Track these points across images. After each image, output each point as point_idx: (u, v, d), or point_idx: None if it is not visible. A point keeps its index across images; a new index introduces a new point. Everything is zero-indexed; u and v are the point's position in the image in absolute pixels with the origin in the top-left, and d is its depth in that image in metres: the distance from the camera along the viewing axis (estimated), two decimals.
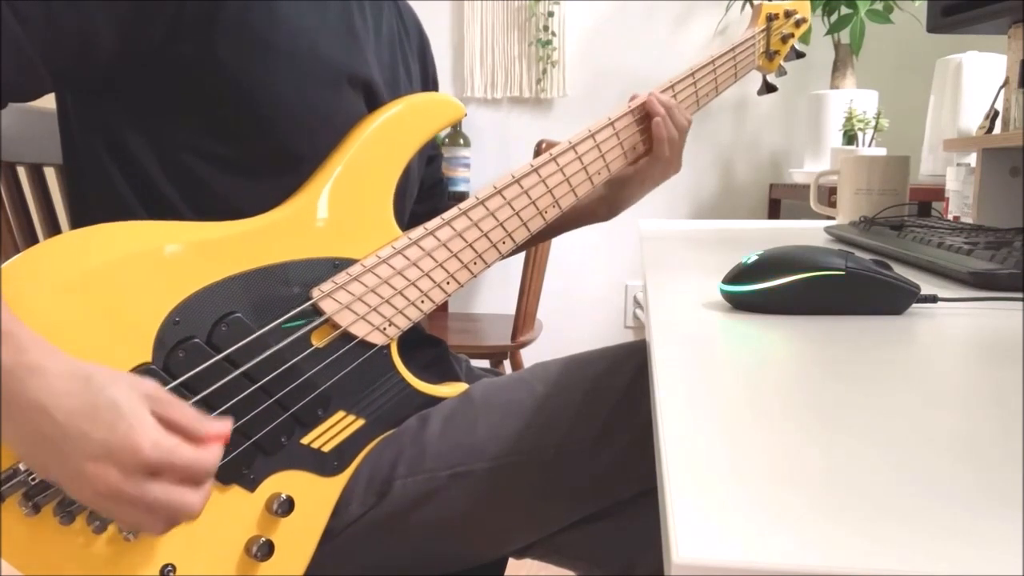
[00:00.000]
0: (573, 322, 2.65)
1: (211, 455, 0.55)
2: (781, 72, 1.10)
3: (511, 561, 0.86)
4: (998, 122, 1.22)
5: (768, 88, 1.12)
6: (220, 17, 0.64)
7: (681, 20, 2.54)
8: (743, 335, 0.49)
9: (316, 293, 0.68)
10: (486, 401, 0.76)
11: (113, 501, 0.52)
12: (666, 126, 0.91)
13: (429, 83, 0.95)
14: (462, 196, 0.87)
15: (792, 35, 1.08)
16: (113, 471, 0.51)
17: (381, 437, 0.74)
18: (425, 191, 0.98)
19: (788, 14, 1.07)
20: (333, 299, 0.68)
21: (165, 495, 0.52)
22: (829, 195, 1.88)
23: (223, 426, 0.57)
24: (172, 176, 0.68)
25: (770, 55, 1.08)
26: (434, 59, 0.97)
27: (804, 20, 1.08)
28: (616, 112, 0.89)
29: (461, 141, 2.47)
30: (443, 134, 2.45)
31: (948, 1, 1.14)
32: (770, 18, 1.06)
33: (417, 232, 0.73)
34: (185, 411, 0.55)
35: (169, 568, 0.60)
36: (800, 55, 1.10)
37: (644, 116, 0.92)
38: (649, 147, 0.93)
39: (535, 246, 1.89)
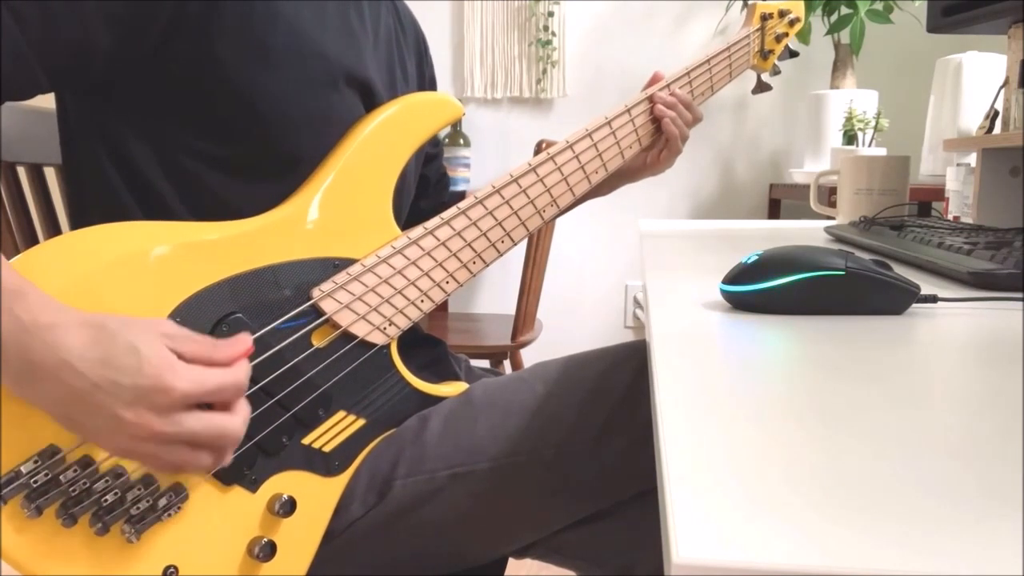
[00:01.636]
0: (573, 322, 2.64)
1: (239, 372, 0.56)
2: (775, 71, 1.11)
3: (511, 561, 0.86)
4: (998, 122, 1.22)
5: (762, 87, 1.13)
6: (218, 17, 0.64)
7: (681, 20, 2.54)
8: (743, 335, 0.49)
9: (316, 293, 0.68)
10: (486, 401, 0.76)
11: (155, 444, 0.52)
12: (677, 125, 0.93)
13: (426, 83, 0.95)
14: (462, 196, 0.87)
15: (786, 34, 1.08)
16: (148, 414, 0.51)
17: (382, 437, 0.74)
18: (431, 187, 0.98)
19: (782, 14, 1.08)
20: (333, 299, 0.69)
21: (205, 425, 0.53)
22: (829, 195, 1.88)
23: (242, 342, 0.57)
24: (170, 177, 0.68)
25: (764, 54, 1.08)
26: (431, 59, 0.97)
27: (798, 20, 1.09)
28: (613, 111, 0.89)
29: (461, 141, 2.47)
30: (443, 134, 2.45)
31: (948, 1, 1.15)
32: (764, 18, 1.07)
33: (416, 232, 0.73)
34: (202, 342, 0.56)
35: (171, 569, 0.60)
36: (794, 54, 1.11)
37: (642, 113, 0.92)
38: (649, 144, 0.94)
39: (536, 246, 1.88)
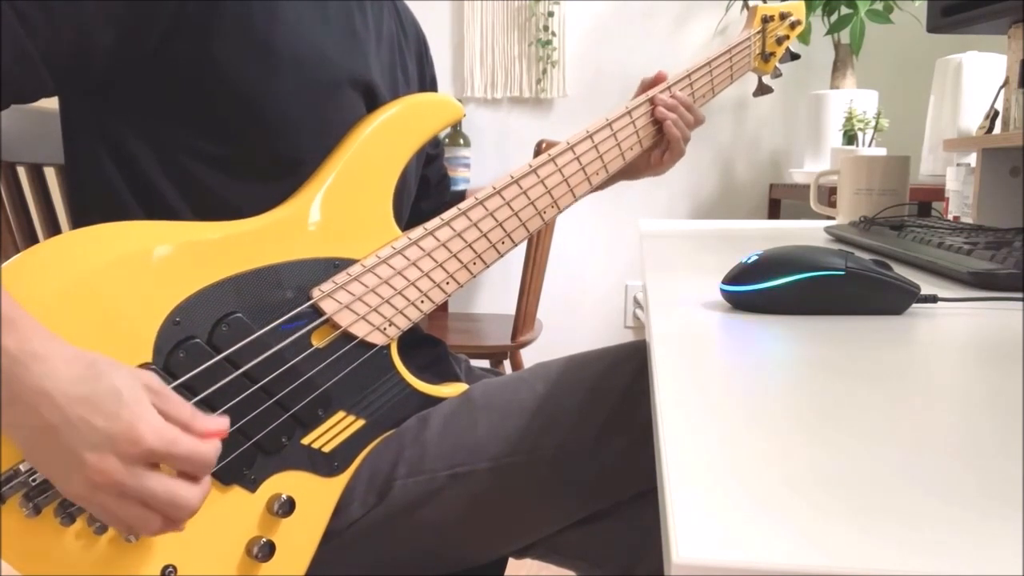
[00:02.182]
0: (573, 322, 2.64)
1: (210, 448, 0.55)
2: (776, 74, 1.11)
3: (511, 561, 0.86)
4: (998, 122, 1.22)
5: (763, 90, 1.13)
6: (220, 17, 0.64)
7: (681, 20, 2.54)
8: (743, 335, 0.49)
9: (316, 293, 0.68)
10: (486, 401, 0.76)
11: (110, 494, 0.51)
12: (679, 127, 0.94)
13: (427, 84, 0.95)
14: (462, 195, 0.87)
15: (787, 37, 1.09)
16: (113, 460, 0.50)
17: (381, 437, 0.74)
18: (432, 188, 0.98)
19: (783, 16, 1.08)
20: (333, 299, 0.69)
21: (164, 488, 0.52)
22: (829, 195, 1.88)
23: (221, 422, 0.57)
24: (172, 177, 0.68)
25: (765, 57, 1.08)
26: (432, 60, 0.97)
27: (799, 22, 1.09)
28: (614, 113, 0.89)
29: (461, 141, 2.47)
30: (443, 134, 2.45)
31: (948, 1, 1.15)
32: (765, 20, 1.07)
33: (417, 232, 0.73)
34: (183, 406, 0.55)
35: (170, 569, 0.60)
36: (795, 57, 1.11)
37: (643, 115, 0.92)
38: (650, 145, 0.94)
39: (536, 246, 1.88)
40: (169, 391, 0.55)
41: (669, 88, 0.95)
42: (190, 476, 0.54)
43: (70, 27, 0.59)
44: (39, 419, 0.50)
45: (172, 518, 0.54)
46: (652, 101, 0.93)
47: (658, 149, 0.96)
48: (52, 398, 0.50)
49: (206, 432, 0.55)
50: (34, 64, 0.59)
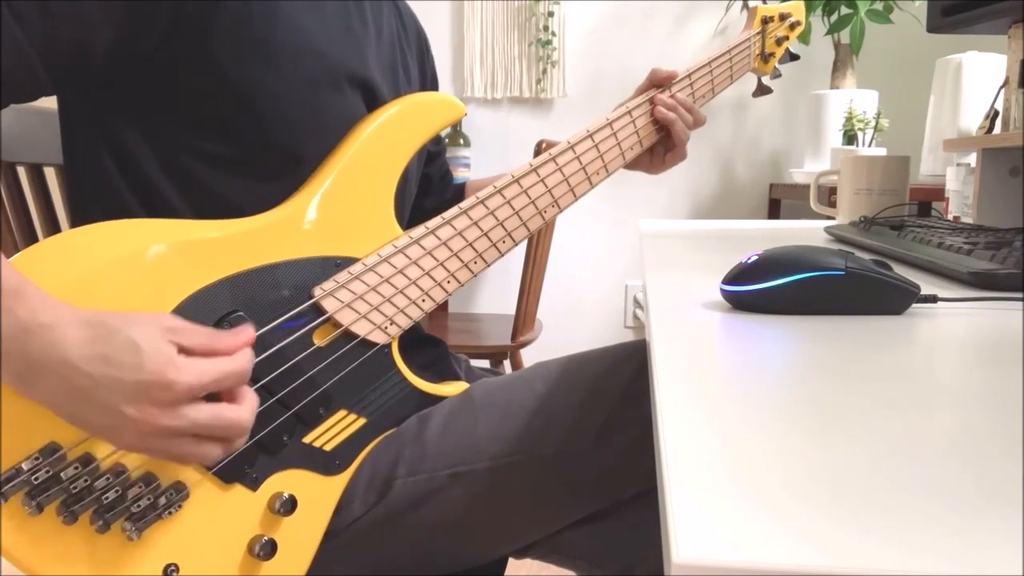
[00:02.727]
0: (573, 322, 2.64)
1: (241, 360, 0.56)
2: (776, 74, 1.11)
3: (511, 561, 0.86)
4: (998, 122, 1.22)
5: (763, 90, 1.13)
6: (219, 17, 0.64)
7: (681, 20, 2.54)
8: (743, 335, 0.49)
9: (317, 292, 0.68)
10: (486, 400, 0.76)
11: (161, 438, 0.53)
12: (682, 129, 0.94)
13: (428, 83, 0.95)
14: (462, 190, 0.87)
15: (787, 37, 1.09)
16: (152, 409, 0.51)
17: (382, 436, 0.74)
18: (434, 185, 0.98)
19: (783, 17, 1.08)
20: (334, 298, 0.69)
21: (210, 416, 0.54)
22: (829, 195, 1.88)
23: (245, 333, 0.58)
24: (172, 176, 0.68)
25: (765, 57, 1.08)
26: (433, 58, 0.97)
27: (799, 23, 1.09)
28: (615, 113, 0.89)
29: (461, 141, 2.47)
30: (443, 134, 2.45)
31: (948, 1, 1.15)
32: (765, 21, 1.07)
33: (418, 231, 0.73)
34: (203, 333, 0.56)
35: (172, 568, 0.60)
36: (795, 57, 1.11)
37: (644, 115, 0.92)
38: (650, 145, 0.95)
39: (536, 246, 1.89)
40: (186, 324, 0.55)
41: (669, 88, 0.95)
42: (231, 395, 0.56)
43: (69, 27, 0.60)
44: (69, 387, 0.51)
45: (228, 440, 0.55)
46: (652, 101, 0.93)
47: (660, 148, 0.96)
48: (73, 364, 0.51)
49: (232, 347, 0.56)
50: (32, 64, 0.59)
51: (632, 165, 0.98)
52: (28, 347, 0.50)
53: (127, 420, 0.51)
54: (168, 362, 0.52)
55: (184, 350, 0.54)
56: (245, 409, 0.56)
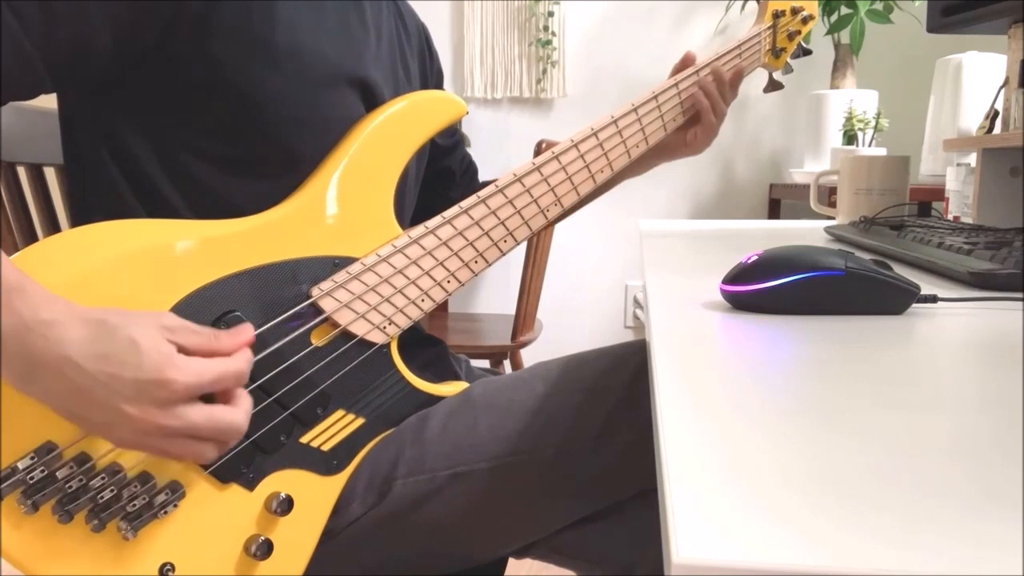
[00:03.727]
0: (573, 322, 2.64)
1: (239, 361, 0.56)
2: (788, 70, 1.10)
3: (511, 561, 0.86)
4: (998, 122, 1.22)
5: (774, 86, 1.12)
6: (218, 17, 0.64)
7: (681, 20, 2.54)
8: (743, 335, 0.49)
9: (316, 291, 0.68)
10: (486, 400, 0.76)
11: (158, 437, 0.53)
12: (717, 108, 0.95)
13: (431, 80, 0.95)
14: (485, 184, 0.87)
15: (799, 32, 1.07)
16: (151, 408, 0.52)
17: (381, 436, 0.74)
18: (459, 177, 0.99)
19: (795, 11, 1.06)
20: (333, 297, 0.68)
21: (207, 417, 0.54)
22: (829, 195, 1.88)
23: (244, 332, 0.58)
24: (172, 176, 0.68)
25: (776, 52, 1.07)
26: (437, 54, 0.97)
27: (811, 17, 1.07)
28: (619, 110, 0.89)
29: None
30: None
31: (948, 1, 1.14)
32: (776, 15, 1.05)
33: (417, 231, 0.73)
34: (202, 332, 0.56)
35: (168, 567, 0.60)
36: (807, 52, 1.10)
37: (648, 112, 0.92)
38: (657, 143, 0.95)
39: (536, 246, 1.89)
40: (185, 323, 0.56)
41: (677, 85, 0.95)
42: (228, 396, 0.56)
43: (69, 25, 0.60)
44: (68, 384, 0.51)
45: (223, 442, 0.56)
46: (678, 86, 0.93)
47: (692, 128, 0.97)
48: (73, 361, 0.51)
49: (231, 347, 0.56)
50: (32, 62, 0.59)
51: (670, 150, 0.98)
52: (29, 344, 0.50)
53: (125, 418, 0.52)
54: (167, 361, 0.52)
55: (183, 349, 0.54)
56: (240, 411, 0.56)
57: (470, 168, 1.02)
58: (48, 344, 0.51)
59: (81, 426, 0.55)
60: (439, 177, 0.97)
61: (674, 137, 0.97)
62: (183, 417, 0.53)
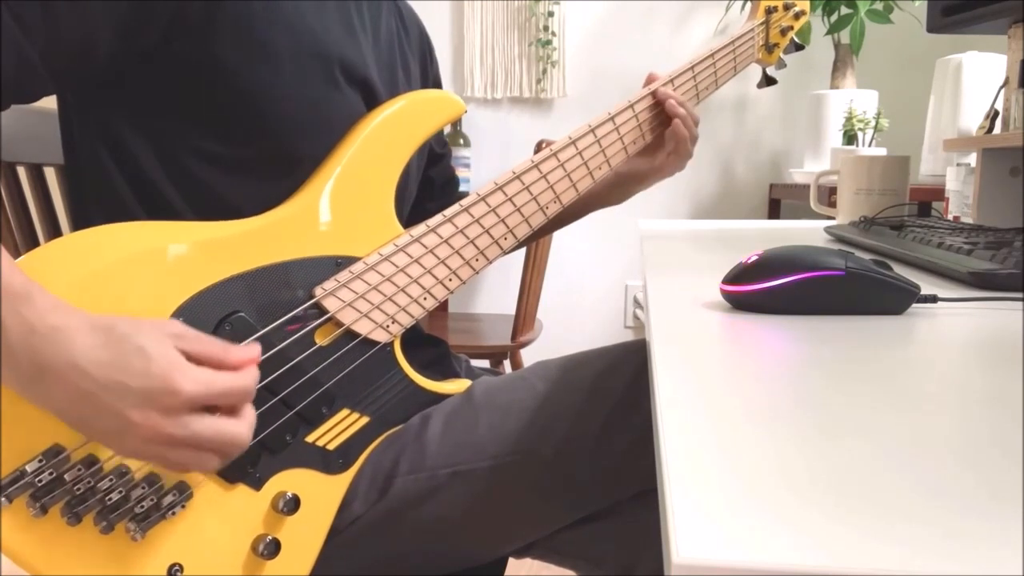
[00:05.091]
0: (573, 322, 2.64)
1: (247, 377, 0.56)
2: (781, 65, 1.10)
3: (511, 561, 0.86)
4: (998, 122, 1.22)
5: (768, 81, 1.12)
6: (219, 17, 0.65)
7: (681, 20, 2.54)
8: (743, 335, 0.49)
9: (319, 291, 0.68)
10: (487, 400, 0.76)
11: (162, 445, 0.52)
12: (687, 125, 0.93)
13: (429, 83, 0.95)
14: (462, 196, 0.87)
15: (791, 28, 1.07)
16: (156, 416, 0.51)
17: (386, 434, 0.74)
18: (438, 188, 0.98)
19: (787, 7, 1.07)
20: (336, 297, 0.69)
21: (211, 429, 0.53)
22: (829, 195, 1.88)
23: (251, 350, 0.57)
24: (172, 176, 0.68)
25: (769, 48, 1.07)
26: (437, 60, 0.97)
27: (803, 13, 1.08)
28: (617, 107, 0.89)
29: (461, 141, 2.47)
30: (445, 136, 2.44)
31: (948, 1, 1.15)
32: (769, 11, 1.06)
33: (419, 229, 0.74)
34: (212, 344, 0.56)
35: (176, 567, 0.60)
36: (800, 47, 1.10)
37: (645, 110, 0.92)
38: (652, 141, 0.94)
39: (536, 246, 1.89)
40: (194, 332, 0.55)
41: (672, 81, 0.94)
42: (233, 410, 0.55)
43: (70, 27, 0.60)
44: (75, 391, 0.51)
45: (225, 454, 0.55)
46: (655, 95, 0.93)
47: (664, 150, 0.96)
48: (81, 368, 0.51)
49: (240, 363, 0.56)
50: (32, 65, 0.59)
51: (641, 176, 0.97)
52: (36, 349, 0.50)
53: (131, 425, 0.51)
54: (175, 368, 0.52)
55: (191, 357, 0.54)
56: (244, 423, 0.56)
57: (451, 181, 1.01)
58: (56, 350, 0.50)
59: (86, 433, 0.55)
60: (419, 186, 0.97)
61: (642, 162, 0.96)
62: (188, 426, 0.52)
